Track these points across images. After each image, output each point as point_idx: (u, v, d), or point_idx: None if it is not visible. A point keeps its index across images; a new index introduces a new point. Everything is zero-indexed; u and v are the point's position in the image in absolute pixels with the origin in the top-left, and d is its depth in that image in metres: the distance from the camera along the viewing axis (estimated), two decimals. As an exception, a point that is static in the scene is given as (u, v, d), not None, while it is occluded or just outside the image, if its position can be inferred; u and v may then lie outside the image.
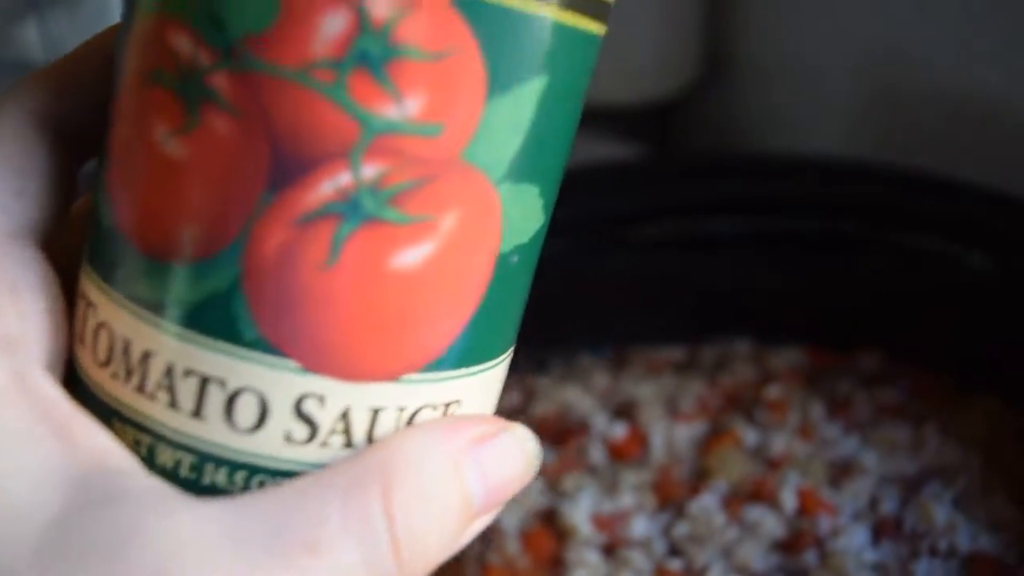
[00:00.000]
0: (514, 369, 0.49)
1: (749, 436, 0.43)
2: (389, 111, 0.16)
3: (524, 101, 0.17)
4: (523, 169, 0.18)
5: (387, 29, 0.16)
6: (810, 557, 0.38)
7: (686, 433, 0.44)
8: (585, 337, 0.51)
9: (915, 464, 0.42)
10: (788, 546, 0.39)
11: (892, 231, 0.45)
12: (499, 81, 0.17)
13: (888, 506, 0.40)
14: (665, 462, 0.43)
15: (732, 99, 0.71)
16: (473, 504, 0.18)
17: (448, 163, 0.17)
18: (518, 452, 0.19)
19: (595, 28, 0.18)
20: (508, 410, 0.48)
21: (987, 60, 0.56)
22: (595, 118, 0.69)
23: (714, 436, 0.43)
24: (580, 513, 0.40)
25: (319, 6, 0.16)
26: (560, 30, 0.17)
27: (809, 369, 0.48)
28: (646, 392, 0.46)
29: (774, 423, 0.44)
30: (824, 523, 0.39)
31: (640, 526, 0.39)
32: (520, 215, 0.18)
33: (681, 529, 0.39)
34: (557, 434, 0.45)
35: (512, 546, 0.40)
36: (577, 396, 0.47)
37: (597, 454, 0.43)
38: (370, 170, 0.16)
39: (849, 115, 0.64)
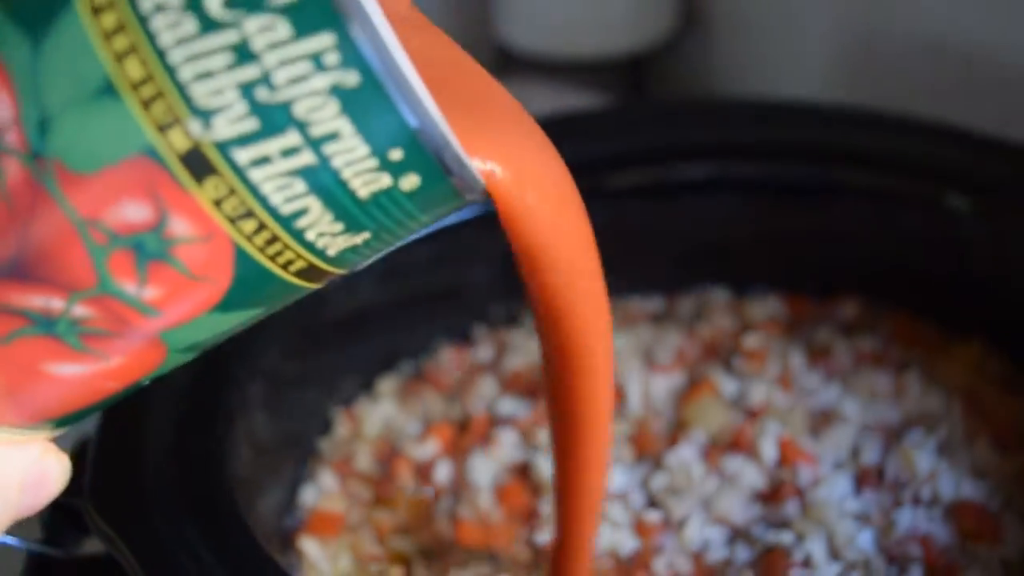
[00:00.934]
0: (487, 322, 0.48)
1: (727, 386, 0.42)
2: (127, 287, 0.18)
3: (234, 320, 0.20)
4: (199, 347, 0.21)
5: (172, 243, 0.18)
6: (791, 508, 0.37)
7: (663, 385, 0.42)
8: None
9: (897, 412, 0.41)
10: (769, 497, 0.38)
11: (869, 175, 0.44)
12: (227, 305, 0.19)
13: (870, 455, 0.39)
14: (642, 414, 0.41)
15: (709, 49, 0.70)
16: (25, 501, 0.21)
17: (145, 334, 0.19)
18: (61, 468, 0.22)
19: (312, 286, 0.21)
20: (480, 365, 0.46)
21: (967, 3, 0.55)
22: (571, 71, 0.68)
23: (692, 387, 0.42)
24: (554, 467, 0.39)
25: (131, 192, 0.17)
26: (290, 286, 0.20)
27: (788, 318, 0.47)
28: (622, 344, 0.45)
29: (753, 373, 0.43)
30: (805, 473, 0.38)
31: (617, 479, 0.38)
32: (175, 365, 0.21)
33: (659, 481, 0.38)
34: (531, 387, 0.44)
35: (485, 500, 0.38)
36: (551, 349, 0.45)
37: (572, 407, 0.42)
38: (80, 310, 0.18)
39: (828, 62, 0.62)
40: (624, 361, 0.44)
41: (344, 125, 0.17)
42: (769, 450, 0.39)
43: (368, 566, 0.37)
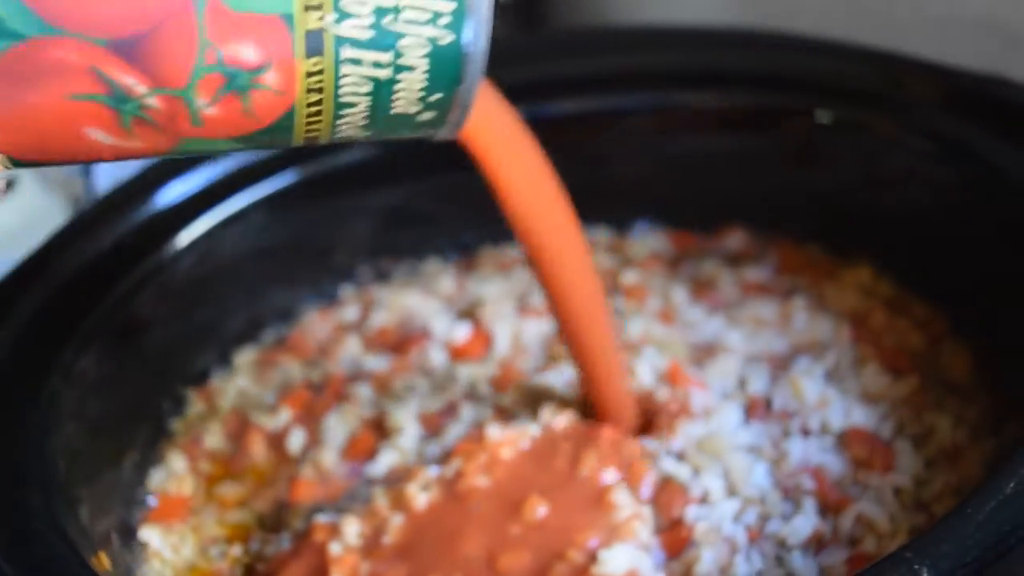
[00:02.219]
0: (354, 282, 0.45)
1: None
2: (200, 100, 0.22)
3: (231, 148, 0.24)
4: (190, 155, 0.26)
5: (256, 87, 0.22)
6: (681, 439, 0.35)
7: (535, 329, 0.40)
8: (432, 243, 0.46)
9: (783, 341, 0.39)
10: (648, 426, 0.35)
11: (739, 95, 0.41)
12: (243, 140, 0.23)
13: (756, 385, 0.37)
14: (508, 354, 0.39)
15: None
16: None
17: (177, 135, 0.22)
18: None
19: (297, 145, 0.24)
20: (346, 325, 0.43)
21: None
22: None
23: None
24: (407, 413, 0.36)
25: (256, 38, 0.21)
26: (287, 142, 0.24)
27: (671, 253, 0.44)
28: (494, 291, 0.42)
29: (632, 310, 0.40)
30: (695, 399, 0.35)
31: (469, 413, 0.36)
32: (159, 157, 0.24)
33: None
34: (397, 343, 0.40)
35: (329, 457, 0.36)
36: (419, 302, 0.42)
37: (437, 357, 0.39)
38: (152, 101, 0.22)
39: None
40: (494, 307, 0.41)
41: (422, 64, 0.22)
42: (646, 375, 0.36)
43: (209, 550, 0.34)
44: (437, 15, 0.22)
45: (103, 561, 0.31)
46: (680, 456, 0.34)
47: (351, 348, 0.41)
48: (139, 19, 0.21)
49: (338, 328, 0.42)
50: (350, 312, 0.43)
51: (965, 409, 0.36)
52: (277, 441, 0.37)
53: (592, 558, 0.30)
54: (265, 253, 0.43)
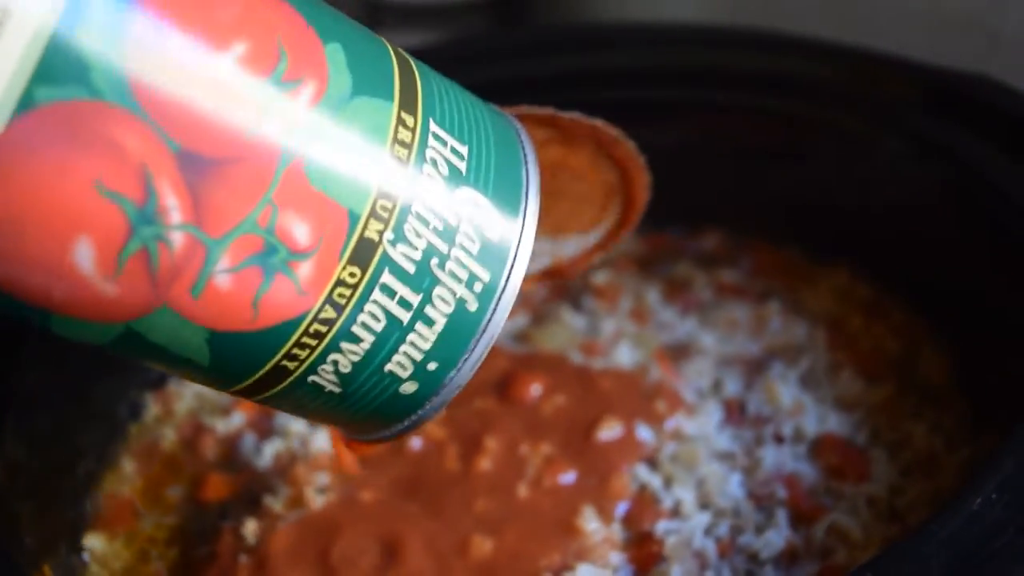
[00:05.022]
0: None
1: (577, 321, 0.38)
2: (223, 261, 0.20)
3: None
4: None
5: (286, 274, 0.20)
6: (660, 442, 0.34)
7: (506, 326, 0.39)
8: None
9: (757, 344, 0.38)
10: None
11: (716, 94, 0.40)
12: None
13: (730, 388, 0.36)
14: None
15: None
16: None
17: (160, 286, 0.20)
18: None
19: None
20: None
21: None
22: (442, 14, 0.64)
23: (535, 323, 0.39)
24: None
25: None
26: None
27: (645, 254, 0.43)
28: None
29: (604, 310, 0.39)
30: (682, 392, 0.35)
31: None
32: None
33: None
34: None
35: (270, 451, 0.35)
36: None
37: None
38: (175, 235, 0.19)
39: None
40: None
41: (440, 322, 0.22)
42: (624, 358, 0.35)
43: (150, 552, 0.33)
44: (473, 278, 0.21)
45: (46, 574, 0.30)
46: (653, 464, 0.33)
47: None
48: (223, 141, 0.18)
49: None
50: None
51: (942, 416, 0.35)
52: (229, 443, 0.36)
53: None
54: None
